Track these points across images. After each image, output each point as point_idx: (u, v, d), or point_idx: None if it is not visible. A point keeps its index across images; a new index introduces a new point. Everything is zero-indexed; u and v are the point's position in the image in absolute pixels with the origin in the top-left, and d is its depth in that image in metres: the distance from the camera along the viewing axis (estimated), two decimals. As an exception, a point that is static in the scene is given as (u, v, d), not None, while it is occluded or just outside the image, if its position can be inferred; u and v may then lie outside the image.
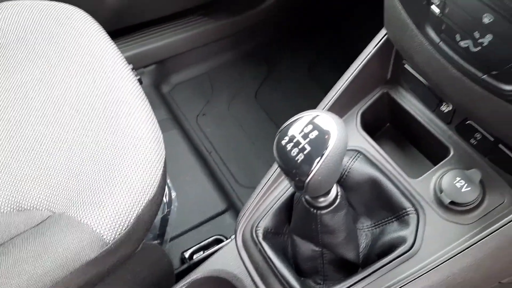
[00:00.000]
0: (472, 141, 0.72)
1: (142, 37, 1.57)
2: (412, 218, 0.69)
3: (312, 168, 0.52)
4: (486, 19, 0.55)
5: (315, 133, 0.52)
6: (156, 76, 1.64)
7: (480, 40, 0.57)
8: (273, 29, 1.76)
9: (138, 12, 1.50)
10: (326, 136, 0.52)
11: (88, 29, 0.94)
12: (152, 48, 1.58)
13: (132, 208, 0.71)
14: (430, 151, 0.82)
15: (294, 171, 0.53)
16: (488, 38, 0.56)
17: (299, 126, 0.54)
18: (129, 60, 0.96)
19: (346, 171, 0.74)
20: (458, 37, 0.59)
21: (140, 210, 0.72)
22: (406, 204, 0.70)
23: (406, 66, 0.78)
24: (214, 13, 1.65)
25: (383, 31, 0.80)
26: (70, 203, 0.72)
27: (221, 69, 1.71)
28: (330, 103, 0.80)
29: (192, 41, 1.64)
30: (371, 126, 0.84)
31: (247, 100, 1.64)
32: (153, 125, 0.82)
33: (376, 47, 0.79)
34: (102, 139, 0.78)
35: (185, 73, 1.69)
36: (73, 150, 0.77)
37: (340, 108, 0.81)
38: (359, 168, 0.74)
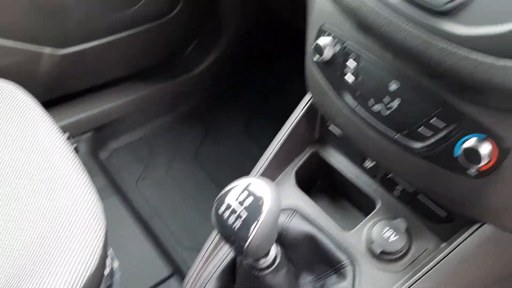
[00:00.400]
0: (395, 192, 0.78)
1: (78, 105, 1.57)
2: (348, 270, 0.73)
3: (249, 234, 0.55)
4: (393, 86, 0.63)
5: (250, 199, 0.56)
6: (93, 143, 1.63)
7: (389, 105, 0.64)
8: (207, 91, 1.83)
9: (72, 82, 1.51)
10: (260, 202, 0.56)
11: (20, 103, 0.94)
12: (88, 115, 1.58)
13: (72, 286, 0.70)
14: (360, 204, 0.88)
15: (232, 237, 0.56)
16: (396, 103, 0.63)
17: (235, 194, 0.57)
18: (65, 129, 0.96)
19: (284, 230, 0.77)
20: (371, 102, 0.67)
21: (81, 286, 0.71)
22: (342, 257, 0.75)
23: (331, 127, 0.85)
24: (149, 79, 1.69)
25: (308, 95, 0.87)
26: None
27: (159, 132, 1.73)
28: (265, 164, 0.85)
29: (128, 107, 1.66)
30: (305, 183, 0.89)
31: (186, 162, 1.66)
32: (92, 196, 0.82)
33: (303, 110, 0.85)
34: (39, 217, 0.77)
35: (122, 139, 1.69)
36: (8, 231, 0.75)
37: (275, 169, 0.86)
38: (296, 226, 0.78)
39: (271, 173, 0.85)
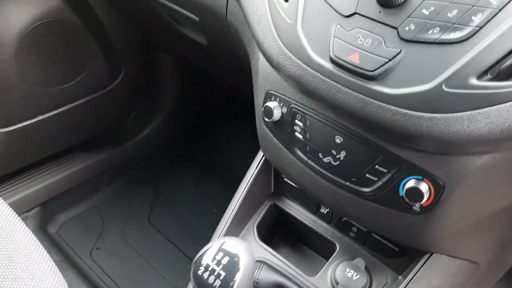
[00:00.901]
0: (351, 234, 0.85)
1: (23, 182, 1.54)
2: (319, 313, 0.78)
3: (229, 291, 0.59)
4: (338, 140, 0.71)
5: (226, 258, 0.60)
6: (41, 219, 1.59)
7: (337, 156, 0.72)
8: (154, 154, 1.86)
9: (16, 159, 1.48)
10: (236, 259, 0.60)
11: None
12: (33, 191, 1.55)
13: None
14: (320, 248, 0.94)
15: (214, 296, 0.60)
16: (343, 154, 0.71)
17: (211, 255, 0.61)
18: (11, 207, 0.95)
19: (254, 282, 0.81)
20: (320, 155, 0.74)
21: None
22: None
23: (286, 179, 0.92)
24: (94, 148, 1.70)
25: (260, 152, 0.93)
26: None
27: (109, 199, 1.73)
28: (228, 224, 0.89)
29: (75, 178, 1.65)
30: (267, 235, 0.94)
31: (140, 226, 1.65)
32: (56, 275, 0.82)
33: (258, 168, 0.92)
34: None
35: (72, 210, 1.66)
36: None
37: (237, 226, 0.90)
38: (265, 277, 0.82)
39: (233, 230, 0.90)
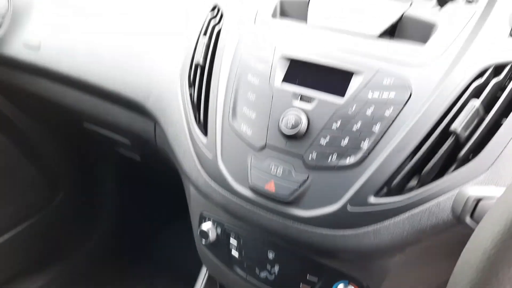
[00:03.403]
0: None
1: None
2: None
3: None
4: (271, 255, 0.77)
5: None
6: None
7: (272, 271, 0.77)
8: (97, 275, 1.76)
9: None
10: None
11: None
12: None
13: None
14: None
15: None
16: (277, 268, 0.77)
17: None
18: None
19: None
20: (257, 270, 0.79)
21: None
22: None
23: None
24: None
25: (204, 267, 0.97)
26: None
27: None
28: None
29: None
30: None
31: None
32: None
33: (203, 283, 0.95)
34: None
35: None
36: None
37: None
38: None
39: None
